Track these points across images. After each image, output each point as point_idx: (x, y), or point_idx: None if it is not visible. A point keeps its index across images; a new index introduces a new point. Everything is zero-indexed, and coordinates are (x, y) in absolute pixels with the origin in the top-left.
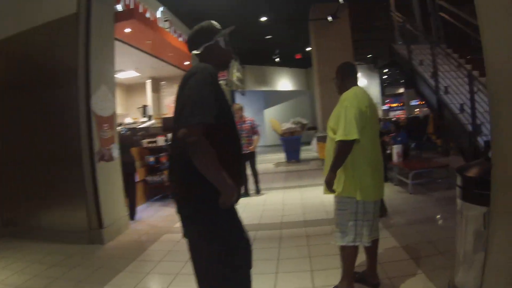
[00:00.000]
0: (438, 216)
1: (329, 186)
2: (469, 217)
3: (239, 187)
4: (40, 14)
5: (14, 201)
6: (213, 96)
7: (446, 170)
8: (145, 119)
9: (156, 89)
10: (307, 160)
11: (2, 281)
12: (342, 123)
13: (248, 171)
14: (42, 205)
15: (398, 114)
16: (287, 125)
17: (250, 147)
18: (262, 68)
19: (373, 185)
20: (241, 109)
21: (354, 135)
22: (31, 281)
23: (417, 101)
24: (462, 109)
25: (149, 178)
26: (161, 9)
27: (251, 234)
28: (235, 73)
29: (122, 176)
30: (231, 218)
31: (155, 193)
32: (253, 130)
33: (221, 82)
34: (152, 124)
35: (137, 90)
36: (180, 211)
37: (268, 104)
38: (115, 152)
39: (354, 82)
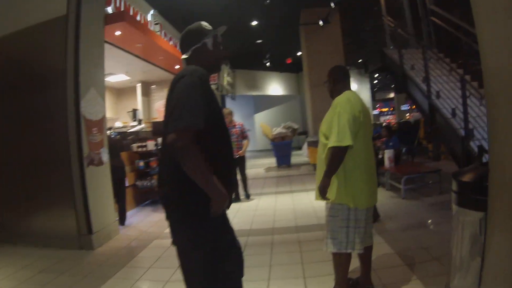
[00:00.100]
0: (432, 221)
1: (323, 194)
2: (465, 223)
3: (230, 193)
4: (28, 16)
5: (2, 205)
6: (202, 100)
7: (438, 175)
8: (135, 123)
9: (146, 93)
10: (298, 165)
11: None
12: (335, 129)
13: (238, 176)
14: (31, 210)
15: (389, 119)
16: (278, 130)
17: (240, 152)
18: (252, 72)
19: (366, 192)
20: (230, 113)
21: (347, 141)
22: (20, 286)
23: (408, 106)
24: (454, 114)
25: (139, 183)
26: (151, 12)
27: (242, 239)
28: (226, 78)
29: (111, 180)
30: (222, 225)
31: (145, 198)
32: (243, 135)
33: (212, 85)
34: (142, 128)
35: (127, 94)
36: (169, 217)
37: (258, 109)
38: (105, 156)
39: (346, 86)
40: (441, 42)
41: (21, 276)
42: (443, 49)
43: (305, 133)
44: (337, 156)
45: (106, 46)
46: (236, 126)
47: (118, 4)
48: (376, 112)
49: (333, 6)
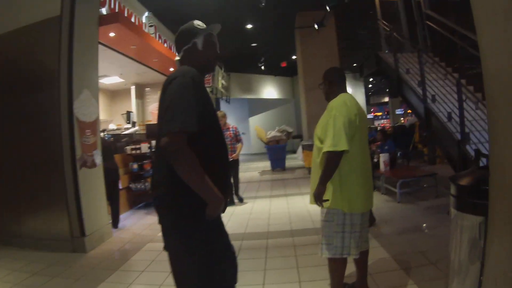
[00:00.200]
0: (428, 225)
1: (318, 200)
2: (463, 227)
3: (226, 196)
4: (21, 16)
5: None
6: (195, 102)
7: (433, 179)
8: (129, 125)
9: (140, 95)
10: (293, 169)
11: None
12: (330, 133)
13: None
14: (23, 212)
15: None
16: (273, 133)
17: (234, 155)
18: (247, 75)
19: (362, 196)
20: (224, 116)
21: (343, 146)
22: None
23: (402, 110)
24: (450, 118)
25: (132, 185)
26: (146, 14)
27: (236, 243)
28: (220, 81)
29: (105, 183)
30: (216, 229)
31: (139, 201)
32: (237, 138)
33: (204, 87)
34: (136, 130)
35: (121, 96)
36: (162, 221)
37: (253, 112)
38: (98, 158)
39: (342, 88)
40: (436, 46)
41: (14, 278)
42: (438, 53)
43: (299, 136)
44: (332, 161)
45: (100, 47)
46: (230, 129)
47: (112, 6)
48: (370, 116)
49: (329, 10)
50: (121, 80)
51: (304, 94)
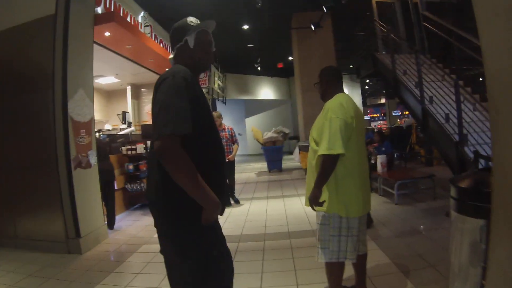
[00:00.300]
0: (426, 228)
1: (314, 204)
2: (464, 230)
3: (222, 200)
4: (15, 14)
5: None
6: (187, 103)
7: (431, 180)
8: (124, 126)
9: (136, 95)
10: (290, 170)
11: None
12: (326, 136)
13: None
14: (17, 213)
15: (380, 124)
16: (269, 134)
17: (230, 156)
18: (243, 76)
19: (359, 200)
20: (220, 116)
21: (338, 150)
22: None
23: (399, 112)
24: (447, 119)
25: (128, 186)
26: (142, 14)
27: (233, 245)
28: (216, 81)
29: (100, 183)
30: (211, 234)
31: (134, 202)
32: (232, 139)
33: (199, 86)
34: (132, 131)
35: (117, 96)
36: (157, 225)
37: (249, 113)
38: (93, 159)
39: (339, 88)
40: (433, 47)
41: (8, 280)
42: (435, 55)
43: (296, 137)
44: (327, 164)
45: (96, 47)
46: (226, 130)
47: (108, 5)
48: (367, 117)
49: (326, 11)
50: (117, 80)
51: (301, 95)
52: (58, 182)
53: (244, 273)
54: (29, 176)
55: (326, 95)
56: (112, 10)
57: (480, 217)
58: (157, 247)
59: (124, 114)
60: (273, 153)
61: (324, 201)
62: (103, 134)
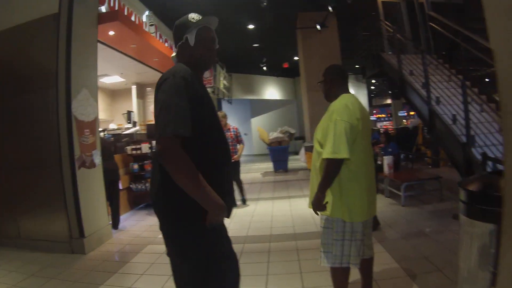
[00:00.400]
0: (432, 230)
1: (317, 208)
2: (473, 234)
3: (228, 202)
4: (18, 13)
5: None
6: (187, 104)
7: (438, 182)
8: (129, 125)
9: (141, 95)
10: (295, 170)
11: None
12: (330, 139)
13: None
14: (21, 212)
15: (386, 125)
16: (275, 135)
17: (235, 157)
18: (249, 76)
19: (364, 204)
20: (224, 116)
21: (343, 154)
22: None
23: (405, 112)
24: (454, 120)
25: (133, 186)
26: (146, 13)
27: (238, 246)
28: (222, 81)
29: (105, 183)
30: (213, 236)
31: (139, 202)
32: (237, 139)
33: (201, 84)
34: (137, 130)
35: (122, 96)
36: (162, 228)
37: (255, 113)
38: (97, 158)
39: (344, 88)
40: (439, 48)
41: (10, 280)
42: (441, 55)
43: (302, 138)
44: (331, 168)
45: (100, 46)
46: (231, 130)
47: (112, 4)
48: (373, 118)
49: (331, 10)
50: (122, 79)
51: (306, 95)
52: (62, 181)
53: (249, 275)
54: (33, 175)
55: (330, 95)
56: (116, 9)
57: (490, 221)
58: (161, 247)
59: (129, 113)
60: (279, 153)
61: (327, 202)
62: (108, 134)
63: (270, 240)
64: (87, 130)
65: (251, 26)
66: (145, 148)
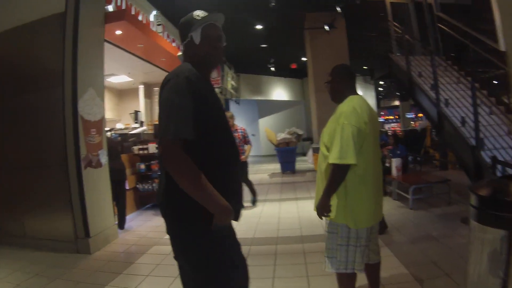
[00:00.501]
0: (440, 234)
1: (322, 213)
2: (484, 240)
3: (234, 204)
4: (25, 13)
5: None
6: (190, 105)
7: (446, 185)
8: (136, 125)
9: (148, 94)
10: (303, 172)
11: None
12: (337, 143)
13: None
14: (27, 212)
15: (393, 127)
16: (282, 136)
17: (242, 157)
18: (257, 77)
19: (370, 210)
20: (232, 117)
21: (350, 160)
22: None
23: (413, 114)
24: (463, 122)
25: (140, 186)
26: (154, 12)
27: (245, 248)
28: (230, 81)
29: (111, 183)
30: (221, 239)
31: (146, 202)
32: (245, 140)
33: (207, 84)
34: (144, 130)
35: (129, 95)
36: (169, 231)
37: (263, 114)
38: (103, 158)
39: (351, 88)
40: (448, 49)
41: (14, 279)
42: (450, 57)
43: (309, 139)
44: (337, 174)
45: (107, 46)
46: (238, 131)
47: (119, 3)
48: (380, 119)
49: (339, 11)
50: (129, 79)
51: (314, 96)
52: (67, 181)
53: (255, 277)
54: (39, 174)
55: (336, 95)
56: (123, 8)
57: (501, 227)
58: (167, 249)
59: (136, 113)
60: (286, 154)
61: (331, 204)
62: (114, 133)
63: (277, 242)
64: (94, 129)
65: (259, 27)
66: (152, 148)
